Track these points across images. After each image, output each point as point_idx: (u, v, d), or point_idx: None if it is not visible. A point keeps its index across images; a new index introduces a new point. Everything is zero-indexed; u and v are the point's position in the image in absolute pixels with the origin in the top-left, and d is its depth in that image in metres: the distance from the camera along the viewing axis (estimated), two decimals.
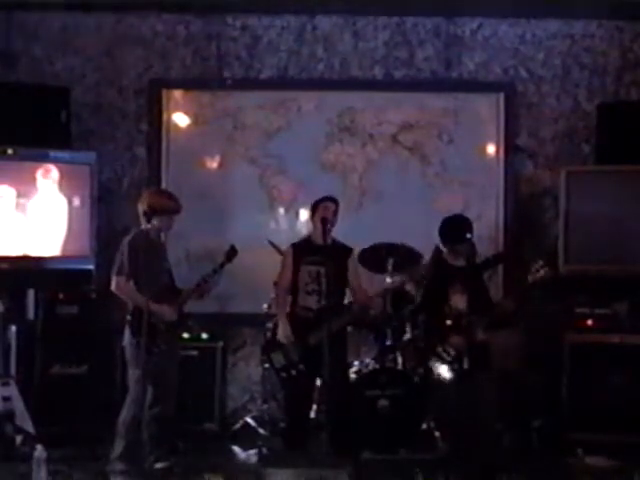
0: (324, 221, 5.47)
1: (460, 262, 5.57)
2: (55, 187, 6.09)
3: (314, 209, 5.63)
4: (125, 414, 5.14)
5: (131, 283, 5.13)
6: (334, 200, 5.62)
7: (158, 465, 5.15)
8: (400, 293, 5.89)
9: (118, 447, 5.11)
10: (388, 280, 5.71)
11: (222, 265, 5.41)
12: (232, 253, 5.45)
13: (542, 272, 5.30)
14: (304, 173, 6.70)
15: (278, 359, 5.51)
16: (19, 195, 6.02)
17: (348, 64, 6.77)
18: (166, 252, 5.43)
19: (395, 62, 6.77)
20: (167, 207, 5.27)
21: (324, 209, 5.55)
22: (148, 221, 5.15)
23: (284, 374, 5.51)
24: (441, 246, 5.57)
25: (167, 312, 5.18)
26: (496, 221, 6.72)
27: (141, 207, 5.21)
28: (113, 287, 5.20)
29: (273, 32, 6.77)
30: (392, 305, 5.85)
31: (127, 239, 5.23)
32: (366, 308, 5.63)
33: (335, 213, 5.58)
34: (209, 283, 5.38)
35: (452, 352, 5.34)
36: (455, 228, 5.57)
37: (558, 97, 6.76)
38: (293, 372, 5.47)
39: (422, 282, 5.69)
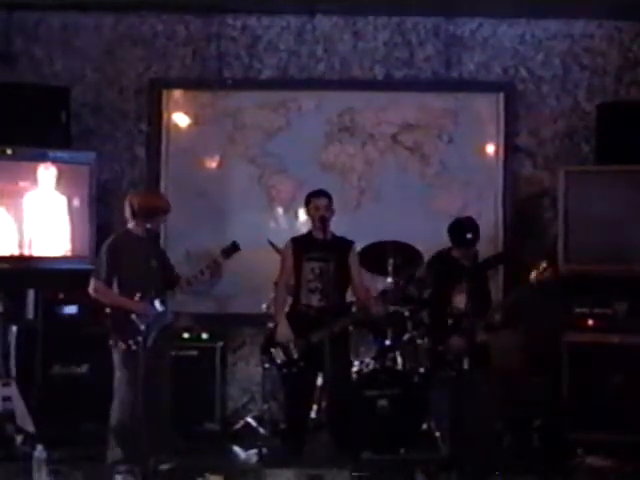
0: (322, 219, 5.45)
1: (467, 262, 5.58)
2: (54, 187, 6.09)
3: (306, 203, 5.61)
4: (115, 418, 5.06)
5: (114, 286, 5.08)
6: (325, 194, 5.56)
7: (162, 467, 5.10)
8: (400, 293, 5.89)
9: (116, 452, 5.05)
10: (389, 280, 5.69)
11: (209, 268, 5.27)
12: (232, 250, 5.33)
13: (546, 273, 5.31)
14: (304, 173, 6.68)
15: (279, 355, 5.48)
16: (18, 195, 6.02)
17: (348, 64, 6.77)
18: (156, 248, 5.35)
19: (395, 62, 6.76)
20: (159, 208, 5.26)
21: (316, 208, 5.51)
22: (146, 221, 5.13)
23: (285, 370, 5.49)
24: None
25: (141, 308, 5.05)
26: (495, 221, 6.71)
27: (129, 209, 5.18)
28: (90, 290, 5.15)
29: (273, 32, 6.76)
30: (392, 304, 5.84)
31: (107, 242, 5.19)
32: (367, 310, 5.60)
33: (328, 207, 5.53)
34: (199, 280, 5.27)
35: (452, 353, 5.35)
36: (463, 231, 5.55)
37: (558, 97, 6.76)
38: (294, 369, 5.45)
39: (421, 285, 5.68)
